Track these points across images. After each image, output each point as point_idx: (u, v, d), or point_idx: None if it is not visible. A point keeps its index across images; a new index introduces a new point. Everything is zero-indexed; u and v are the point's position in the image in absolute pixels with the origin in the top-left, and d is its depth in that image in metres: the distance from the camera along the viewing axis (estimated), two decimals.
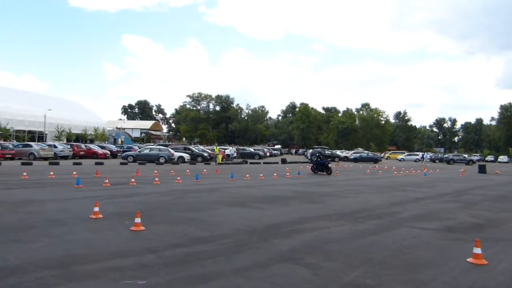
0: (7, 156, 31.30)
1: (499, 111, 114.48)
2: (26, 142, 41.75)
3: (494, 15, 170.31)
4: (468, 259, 5.95)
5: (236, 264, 5.48)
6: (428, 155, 63.31)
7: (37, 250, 5.83)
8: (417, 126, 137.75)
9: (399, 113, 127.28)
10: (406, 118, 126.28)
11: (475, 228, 8.78)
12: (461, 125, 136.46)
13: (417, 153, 79.02)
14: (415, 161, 60.13)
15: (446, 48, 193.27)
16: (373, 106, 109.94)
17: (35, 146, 35.34)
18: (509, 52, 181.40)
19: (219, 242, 6.68)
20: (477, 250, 5.93)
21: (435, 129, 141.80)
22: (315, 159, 28.07)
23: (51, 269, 4.99)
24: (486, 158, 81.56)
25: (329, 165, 26.60)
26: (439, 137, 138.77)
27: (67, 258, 5.47)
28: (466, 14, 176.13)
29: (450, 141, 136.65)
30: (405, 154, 72.13)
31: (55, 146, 37.45)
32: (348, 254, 6.15)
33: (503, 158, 79.75)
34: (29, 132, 57.66)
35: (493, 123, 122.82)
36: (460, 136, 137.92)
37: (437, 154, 72.96)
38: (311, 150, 54.49)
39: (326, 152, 52.70)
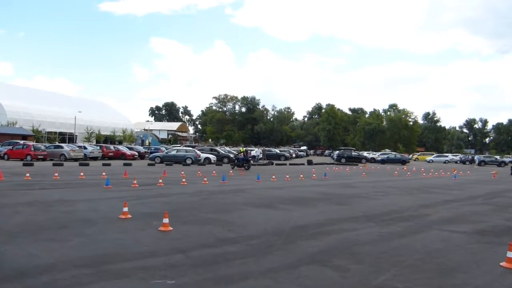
0: (39, 157, 32.24)
1: None
2: (57, 144, 42.97)
3: None
4: (501, 263, 5.78)
5: (264, 265, 5.49)
6: (479, 157, 59.98)
7: (70, 249, 6.01)
8: (447, 127, 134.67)
9: (428, 114, 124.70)
10: (435, 119, 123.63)
11: (508, 231, 8.51)
12: (493, 125, 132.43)
13: (447, 154, 77.12)
14: (464, 163, 57.22)
15: (478, 48, 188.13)
16: (401, 107, 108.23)
17: (66, 147, 36.30)
18: None
19: (247, 243, 6.71)
20: (511, 254, 5.75)
21: (465, 130, 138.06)
22: (236, 157, 31.04)
23: (84, 267, 5.13)
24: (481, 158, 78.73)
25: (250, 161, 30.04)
26: (469, 138, 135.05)
27: (98, 257, 5.62)
28: (498, 12, 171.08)
29: (481, 142, 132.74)
30: (434, 156, 70.56)
31: (85, 148, 38.38)
32: (377, 257, 6.07)
33: None
34: (60, 133, 59.44)
35: None
36: (491, 137, 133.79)
37: (467, 156, 70.84)
38: (337, 152, 53.91)
39: (353, 153, 52.05)
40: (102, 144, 47.06)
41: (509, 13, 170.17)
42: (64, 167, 25.72)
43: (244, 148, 40.45)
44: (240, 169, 28.19)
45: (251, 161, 30.80)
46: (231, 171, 24.92)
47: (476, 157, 58.57)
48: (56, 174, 17.95)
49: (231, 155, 39.03)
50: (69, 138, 59.60)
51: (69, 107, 62.26)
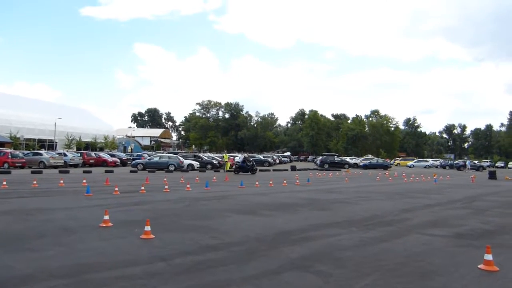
0: (17, 164, 31.59)
1: (508, 117, 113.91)
2: (36, 151, 42.15)
3: (502, 22, 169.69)
4: (479, 266, 5.89)
5: (247, 272, 5.48)
6: (470, 162, 60.53)
7: (48, 259, 5.88)
8: (427, 133, 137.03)
9: (409, 119, 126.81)
10: (415, 124, 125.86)
11: (486, 234, 8.68)
12: (471, 131, 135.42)
13: (427, 159, 78.35)
14: (458, 169, 57.60)
15: (456, 55, 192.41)
16: (382, 112, 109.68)
17: (45, 154, 35.70)
18: None
19: (229, 250, 6.68)
20: (488, 257, 5.87)
21: (445, 136, 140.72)
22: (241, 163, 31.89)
23: (63, 278, 5.03)
24: (496, 164, 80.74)
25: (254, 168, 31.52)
26: (449, 144, 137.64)
27: (78, 266, 5.51)
28: (475, 22, 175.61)
29: (460, 147, 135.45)
30: (415, 161, 71.62)
31: (65, 155, 37.79)
32: (359, 262, 6.11)
33: None
34: (39, 140, 58.28)
35: (503, 129, 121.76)
36: (470, 142, 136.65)
37: (447, 161, 72.13)
38: (320, 157, 54.23)
39: (336, 159, 52.45)
40: (83, 151, 46.38)
41: (486, 22, 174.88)
42: (43, 174, 25.27)
43: (228, 155, 40.56)
44: (246, 174, 29.78)
45: (255, 167, 32.14)
46: (224, 176, 24.83)
47: (467, 162, 59.58)
48: (35, 182, 17.61)
49: (215, 162, 38.96)
50: (49, 145, 58.52)
51: (49, 113, 61.12)
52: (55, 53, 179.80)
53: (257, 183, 20.72)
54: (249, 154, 56.16)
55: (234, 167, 32.16)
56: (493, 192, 20.28)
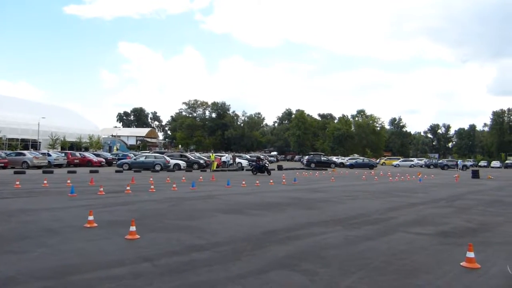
0: None
1: (491, 117, 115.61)
2: (19, 151, 41.43)
3: (486, 23, 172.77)
4: (461, 263, 5.99)
5: (232, 271, 5.48)
6: (462, 162, 60.92)
7: (31, 261, 5.79)
8: (412, 132, 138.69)
9: (394, 119, 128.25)
10: (401, 124, 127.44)
11: (468, 232, 8.83)
12: (455, 131, 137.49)
13: (412, 159, 79.25)
14: (442, 168, 57.43)
15: (440, 56, 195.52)
16: (368, 112, 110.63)
17: (28, 154, 35.11)
18: (501, 59, 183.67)
19: (215, 250, 6.67)
20: (470, 254, 5.97)
21: (429, 135, 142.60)
22: (255, 163, 31.86)
23: (46, 279, 4.96)
24: (479, 164, 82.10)
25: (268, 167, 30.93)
26: (434, 143, 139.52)
27: (61, 268, 5.45)
28: (459, 22, 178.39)
29: (444, 147, 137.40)
30: (400, 160, 72.39)
31: (49, 155, 37.22)
32: (344, 260, 6.16)
33: (495, 163, 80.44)
34: (22, 140, 57.35)
35: (486, 129, 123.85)
36: (454, 142, 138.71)
37: (431, 160, 73.08)
38: (307, 157, 54.45)
39: (322, 158, 52.72)
40: (67, 151, 45.76)
41: (470, 23, 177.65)
42: (26, 175, 24.87)
43: (214, 155, 40.45)
44: (262, 175, 29.28)
45: (269, 167, 31.60)
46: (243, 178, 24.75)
47: (459, 162, 60.18)
48: (18, 183, 17.31)
49: (201, 161, 38.84)
50: (32, 144, 57.64)
51: (33, 112, 60.13)
52: (38, 52, 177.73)
53: (243, 182, 20.71)
54: (236, 154, 56.11)
55: (251, 167, 32.61)
56: (476, 191, 20.61)
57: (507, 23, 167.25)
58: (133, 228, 7.45)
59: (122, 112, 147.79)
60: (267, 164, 32.02)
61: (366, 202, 14.45)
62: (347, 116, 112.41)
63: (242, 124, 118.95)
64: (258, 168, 30.71)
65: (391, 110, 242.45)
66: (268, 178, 25.75)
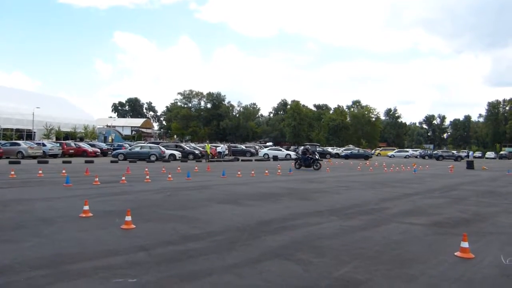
0: None
1: (486, 108, 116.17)
2: (14, 141, 41.18)
3: (480, 14, 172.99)
4: (455, 253, 6.05)
5: (228, 261, 5.50)
6: (472, 153, 60.21)
7: (27, 250, 5.79)
8: (407, 123, 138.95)
9: (390, 110, 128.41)
10: (396, 115, 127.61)
11: (462, 222, 8.90)
12: (450, 122, 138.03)
13: (407, 149, 79.49)
14: (437, 159, 57.50)
15: (436, 47, 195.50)
16: (364, 103, 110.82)
17: (23, 144, 34.87)
18: (496, 50, 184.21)
19: (211, 240, 6.69)
20: (464, 244, 6.03)
21: (424, 126, 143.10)
22: (301, 155, 28.16)
23: (41, 268, 4.96)
24: (474, 154, 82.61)
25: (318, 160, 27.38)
26: (429, 134, 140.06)
27: (57, 257, 5.45)
28: (454, 14, 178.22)
29: (440, 137, 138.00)
30: (395, 151, 72.62)
31: (43, 145, 36.98)
32: (339, 250, 6.20)
33: (490, 154, 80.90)
34: (17, 130, 56.97)
35: (481, 120, 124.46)
36: (449, 133, 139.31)
37: (426, 151, 73.35)
38: (302, 147, 54.50)
39: (318, 149, 52.77)
40: (62, 141, 45.48)
41: (465, 14, 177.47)
42: (21, 165, 24.75)
43: (210, 145, 40.42)
44: (308, 169, 26.35)
45: (319, 160, 27.34)
46: (291, 170, 24.69)
47: (470, 153, 59.72)
48: (13, 173, 17.23)
49: (196, 152, 38.82)
50: (27, 134, 57.26)
51: (27, 103, 59.64)
52: (32, 42, 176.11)
53: (239, 173, 20.72)
54: (231, 144, 56.10)
55: (297, 161, 28.08)
56: (470, 182, 20.76)
57: (502, 14, 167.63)
58: (128, 218, 7.45)
59: (117, 102, 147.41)
60: (317, 156, 27.75)
61: (361, 192, 14.51)
62: (343, 107, 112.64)
63: (237, 115, 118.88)
64: (305, 161, 27.17)
65: (387, 101, 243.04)
66: (262, 169, 25.77)
